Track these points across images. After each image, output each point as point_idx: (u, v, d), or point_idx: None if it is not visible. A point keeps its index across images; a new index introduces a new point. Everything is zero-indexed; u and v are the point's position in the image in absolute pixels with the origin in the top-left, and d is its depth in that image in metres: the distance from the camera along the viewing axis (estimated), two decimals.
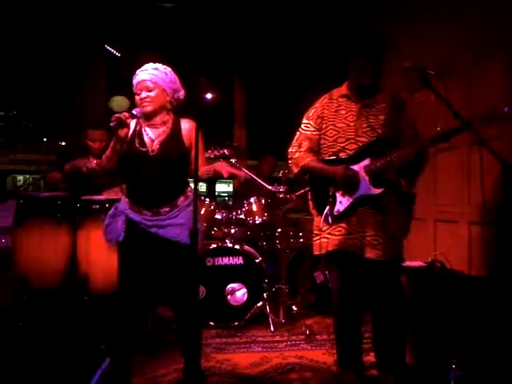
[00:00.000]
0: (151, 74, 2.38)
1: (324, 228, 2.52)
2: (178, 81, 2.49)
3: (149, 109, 2.39)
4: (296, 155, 2.62)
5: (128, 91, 2.53)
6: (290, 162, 2.68)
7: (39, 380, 2.50)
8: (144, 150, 2.38)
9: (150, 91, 2.38)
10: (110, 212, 2.45)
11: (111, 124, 2.27)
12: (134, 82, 2.42)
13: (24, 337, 2.93)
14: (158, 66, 2.43)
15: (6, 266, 3.24)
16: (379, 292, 2.51)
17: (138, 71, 2.43)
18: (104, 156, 2.44)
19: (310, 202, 2.66)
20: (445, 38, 3.72)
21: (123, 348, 2.43)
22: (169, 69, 2.46)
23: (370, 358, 2.76)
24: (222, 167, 2.43)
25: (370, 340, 2.76)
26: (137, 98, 2.41)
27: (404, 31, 4.33)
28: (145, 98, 2.38)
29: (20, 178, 17.85)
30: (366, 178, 2.45)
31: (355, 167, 2.48)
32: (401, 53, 3.85)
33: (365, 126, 2.51)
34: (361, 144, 2.49)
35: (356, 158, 2.49)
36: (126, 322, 2.40)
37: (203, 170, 2.47)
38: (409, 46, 4.12)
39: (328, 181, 2.53)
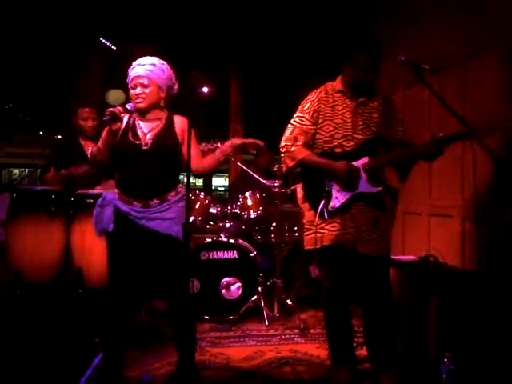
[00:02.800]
0: (148, 70, 2.37)
1: (317, 223, 2.52)
2: (173, 76, 2.49)
3: (142, 105, 2.39)
4: (292, 149, 2.58)
5: (124, 85, 2.52)
6: (284, 155, 2.64)
7: (33, 374, 2.51)
8: (137, 142, 2.38)
9: (145, 87, 2.38)
10: (98, 202, 2.45)
11: (105, 118, 2.27)
12: (130, 74, 2.41)
13: (17, 331, 2.93)
14: (155, 61, 2.42)
15: (0, 259, 3.23)
16: (369, 286, 2.53)
17: (134, 63, 2.42)
18: (96, 148, 2.43)
19: (301, 196, 2.67)
20: (438, 36, 3.71)
21: (115, 341, 2.44)
22: (165, 64, 2.45)
23: (364, 351, 2.77)
24: (232, 142, 2.46)
25: (363, 334, 2.77)
26: (131, 92, 2.41)
27: (397, 29, 4.32)
28: (139, 94, 2.38)
29: (16, 171, 17.81)
30: (364, 175, 2.48)
31: (354, 164, 2.49)
32: (394, 51, 3.83)
33: (360, 123, 2.53)
34: (358, 141, 2.51)
35: (353, 155, 2.50)
36: (116, 314, 2.41)
37: (207, 161, 2.50)
38: (402, 45, 4.11)
39: (325, 176, 2.53)
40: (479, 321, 2.37)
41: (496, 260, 2.96)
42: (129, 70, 2.43)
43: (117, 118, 2.29)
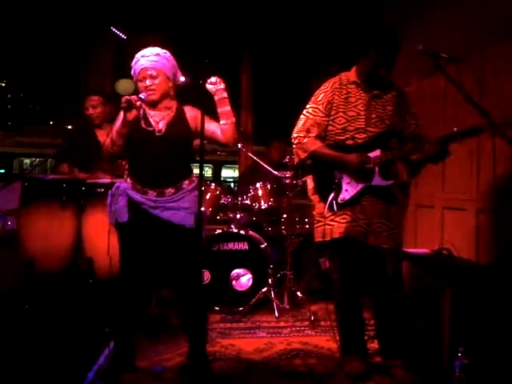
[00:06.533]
0: (154, 61, 2.35)
1: (327, 215, 2.51)
2: (176, 64, 2.48)
3: (155, 97, 2.38)
4: (305, 140, 2.57)
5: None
6: (295, 146, 2.63)
7: (43, 363, 2.52)
8: (150, 129, 2.38)
9: (154, 79, 2.36)
10: (112, 190, 2.45)
11: (122, 106, 2.26)
12: (136, 68, 2.39)
13: (29, 319, 2.94)
14: (159, 50, 2.40)
15: (12, 248, 3.24)
16: (380, 278, 2.53)
17: (138, 56, 2.40)
18: (108, 139, 2.39)
19: (311, 188, 2.64)
20: (453, 24, 3.63)
21: (126, 330, 2.44)
22: (168, 53, 2.44)
23: (375, 344, 2.75)
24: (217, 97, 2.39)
25: (374, 327, 2.75)
26: (140, 84, 2.38)
27: (411, 17, 4.23)
28: (149, 85, 2.36)
29: (27, 161, 17.89)
30: (376, 168, 2.45)
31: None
32: (408, 39, 3.76)
33: (374, 116, 2.50)
34: (370, 134, 2.49)
35: (365, 147, 2.48)
36: (128, 304, 2.42)
37: (229, 125, 2.41)
38: (416, 33, 4.03)
39: (337, 168, 2.50)
40: (494, 315, 2.33)
41: (511, 254, 2.91)
42: (132, 63, 2.41)
43: (133, 106, 2.28)
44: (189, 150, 2.46)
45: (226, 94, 2.40)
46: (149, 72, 2.35)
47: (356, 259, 2.51)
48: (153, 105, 2.42)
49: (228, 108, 2.41)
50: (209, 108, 2.41)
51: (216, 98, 2.40)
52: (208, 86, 2.39)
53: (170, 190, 2.36)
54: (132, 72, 2.43)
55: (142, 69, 2.36)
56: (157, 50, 2.40)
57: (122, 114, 2.31)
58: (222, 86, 2.38)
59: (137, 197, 2.36)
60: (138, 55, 2.40)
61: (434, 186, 3.85)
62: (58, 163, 3.57)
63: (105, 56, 6.31)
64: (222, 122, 2.41)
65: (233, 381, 2.49)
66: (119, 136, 2.34)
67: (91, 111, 3.49)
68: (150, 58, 2.36)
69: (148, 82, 2.35)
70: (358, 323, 2.60)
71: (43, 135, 15.03)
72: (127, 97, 2.27)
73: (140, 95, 2.33)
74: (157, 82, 2.36)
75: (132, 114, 2.29)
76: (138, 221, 2.38)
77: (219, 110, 2.41)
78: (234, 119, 2.43)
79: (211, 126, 2.41)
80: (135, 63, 2.39)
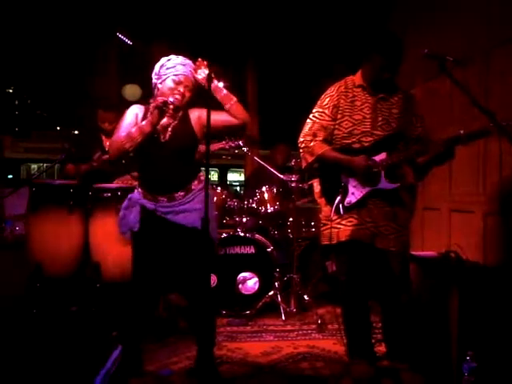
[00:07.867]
0: (193, 76, 2.40)
1: (334, 218, 2.51)
2: None
3: (178, 104, 2.38)
4: (311, 144, 2.57)
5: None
6: (302, 150, 2.63)
7: (51, 367, 2.52)
8: (155, 136, 2.38)
9: (188, 91, 2.41)
10: (124, 204, 2.47)
11: (158, 105, 2.28)
12: (178, 69, 2.38)
13: (37, 323, 2.95)
14: (192, 64, 2.44)
15: (20, 252, 3.26)
16: (387, 281, 2.51)
17: (180, 60, 2.41)
18: (124, 135, 2.33)
19: (318, 191, 2.65)
20: (458, 25, 3.63)
21: (135, 335, 2.45)
22: None
23: (383, 348, 2.74)
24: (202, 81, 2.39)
25: (381, 330, 2.74)
26: (174, 86, 2.37)
27: (417, 19, 4.24)
28: (183, 93, 2.38)
29: (34, 166, 18.01)
30: (382, 171, 2.45)
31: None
32: (415, 41, 3.76)
33: (380, 119, 2.50)
34: (376, 137, 2.49)
35: (371, 150, 2.48)
36: (139, 309, 2.43)
37: (234, 108, 2.40)
38: (421, 35, 4.03)
39: (343, 171, 2.51)
40: (502, 317, 2.32)
41: None
42: (171, 61, 2.41)
43: (165, 110, 2.30)
44: (194, 152, 2.47)
45: (216, 82, 2.39)
46: (187, 83, 2.39)
47: (363, 262, 2.51)
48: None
49: (225, 92, 2.41)
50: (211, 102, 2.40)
51: (210, 88, 2.38)
52: (198, 77, 2.39)
53: (180, 194, 2.38)
54: (165, 68, 2.40)
55: (185, 75, 2.39)
56: (191, 63, 2.44)
57: (155, 113, 2.30)
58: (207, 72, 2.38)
59: (149, 205, 2.38)
60: (180, 60, 2.41)
61: (440, 188, 3.84)
62: (64, 165, 3.60)
63: (111, 62, 6.36)
64: (226, 107, 2.40)
65: None
66: (141, 134, 2.30)
67: (108, 126, 3.55)
68: (189, 68, 2.40)
69: (182, 89, 2.38)
70: (365, 326, 2.59)
71: (50, 141, 15.12)
72: (164, 98, 2.30)
73: (169, 99, 2.32)
74: (188, 94, 2.41)
75: (163, 118, 2.32)
76: (152, 228, 2.40)
77: (218, 97, 2.40)
78: (235, 98, 2.42)
79: (221, 116, 2.39)
80: (178, 63, 2.39)
